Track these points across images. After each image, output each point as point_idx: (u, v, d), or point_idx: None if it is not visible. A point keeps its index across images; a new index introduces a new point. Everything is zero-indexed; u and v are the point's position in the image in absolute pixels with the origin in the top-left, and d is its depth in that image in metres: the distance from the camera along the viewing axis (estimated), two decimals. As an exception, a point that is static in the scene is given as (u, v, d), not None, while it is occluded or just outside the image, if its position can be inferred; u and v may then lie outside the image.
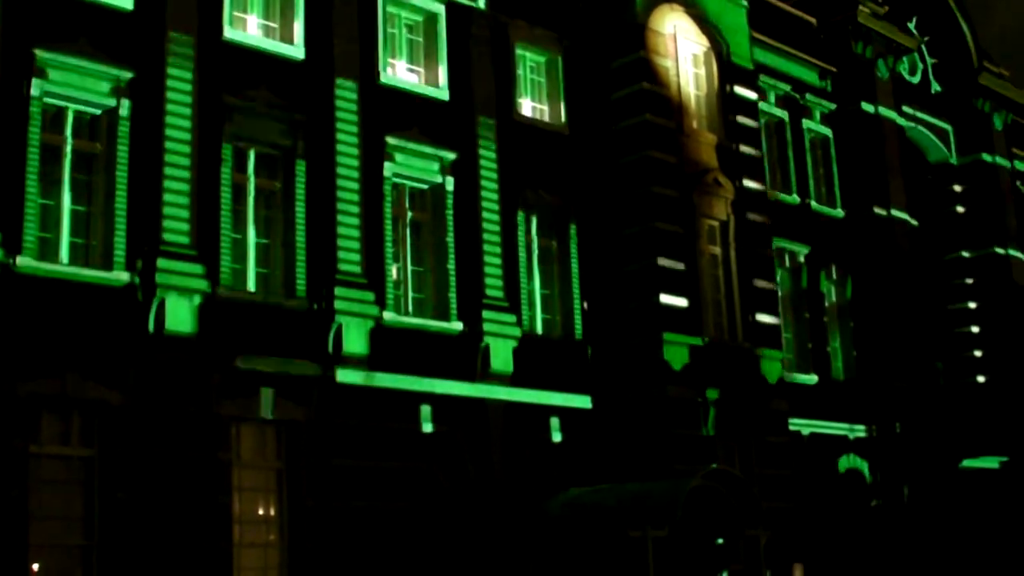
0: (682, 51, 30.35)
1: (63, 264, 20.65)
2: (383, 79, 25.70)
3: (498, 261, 26.64)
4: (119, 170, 21.35)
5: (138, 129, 21.69)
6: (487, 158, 26.95)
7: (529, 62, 29.24)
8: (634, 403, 27.67)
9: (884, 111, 37.61)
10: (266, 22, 24.57)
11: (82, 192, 21.39)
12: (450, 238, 25.99)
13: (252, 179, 23.54)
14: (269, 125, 23.63)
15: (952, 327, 40.03)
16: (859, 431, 34.49)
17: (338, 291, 23.54)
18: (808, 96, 36.23)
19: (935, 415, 36.07)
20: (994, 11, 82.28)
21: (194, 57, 22.55)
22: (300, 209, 23.71)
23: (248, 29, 24.19)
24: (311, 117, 24.12)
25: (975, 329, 39.89)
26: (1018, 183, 43.78)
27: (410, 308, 25.52)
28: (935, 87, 41.00)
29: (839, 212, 36.20)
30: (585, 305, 28.29)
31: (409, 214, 25.99)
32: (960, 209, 41.14)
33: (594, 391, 27.77)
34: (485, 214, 26.67)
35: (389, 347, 24.21)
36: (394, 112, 25.62)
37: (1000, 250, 40.92)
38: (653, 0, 29.93)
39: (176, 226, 21.65)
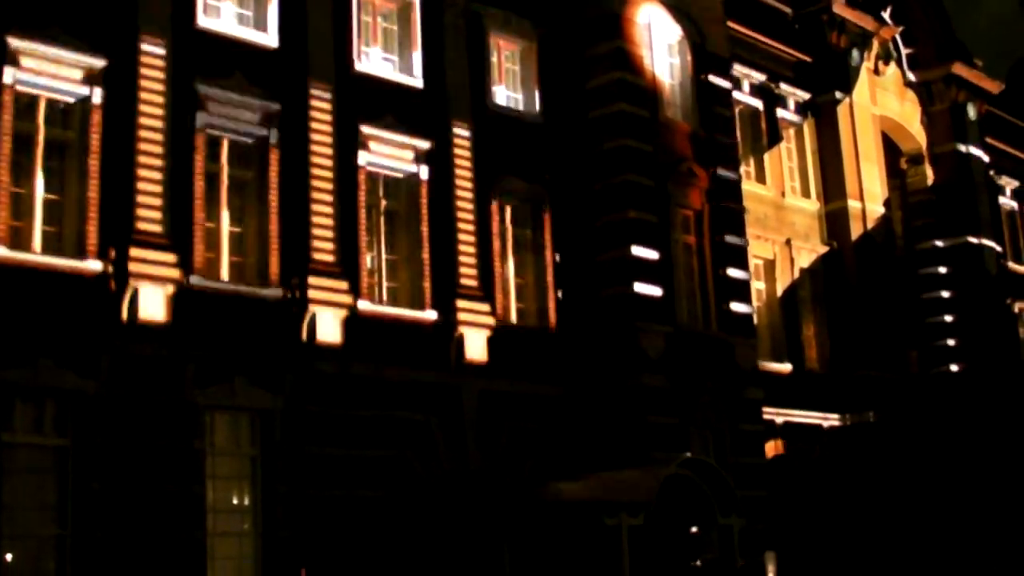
0: (657, 40, 30.36)
1: (35, 253, 20.52)
2: (357, 67, 25.65)
3: (472, 250, 26.64)
4: (92, 159, 21.23)
5: (111, 117, 21.55)
6: (461, 147, 26.93)
7: (504, 50, 29.20)
8: (609, 391, 27.73)
9: (858, 100, 37.73)
10: (240, 10, 24.43)
11: (55, 181, 21.25)
12: (424, 227, 25.97)
13: (225, 168, 23.45)
14: (242, 113, 23.55)
15: (926, 316, 40.20)
16: (833, 420, 34.64)
17: (312, 280, 23.51)
18: (783, 85, 36.32)
19: (909, 404, 36.21)
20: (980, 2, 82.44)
21: (167, 45, 22.44)
22: (274, 198, 23.61)
23: (221, 17, 24.08)
24: (285, 105, 24.02)
25: (948, 318, 40.08)
26: (991, 172, 44.01)
27: (384, 297, 25.53)
28: (909, 76, 41.13)
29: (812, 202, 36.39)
30: (560, 294, 28.30)
31: (383, 203, 25.95)
32: (934, 198, 41.29)
33: (569, 379, 27.80)
34: (459, 203, 26.67)
35: (363, 336, 24.20)
36: (368, 100, 25.56)
37: (974, 239, 41.12)
38: (628, -11, 29.96)
39: (149, 215, 21.55)
